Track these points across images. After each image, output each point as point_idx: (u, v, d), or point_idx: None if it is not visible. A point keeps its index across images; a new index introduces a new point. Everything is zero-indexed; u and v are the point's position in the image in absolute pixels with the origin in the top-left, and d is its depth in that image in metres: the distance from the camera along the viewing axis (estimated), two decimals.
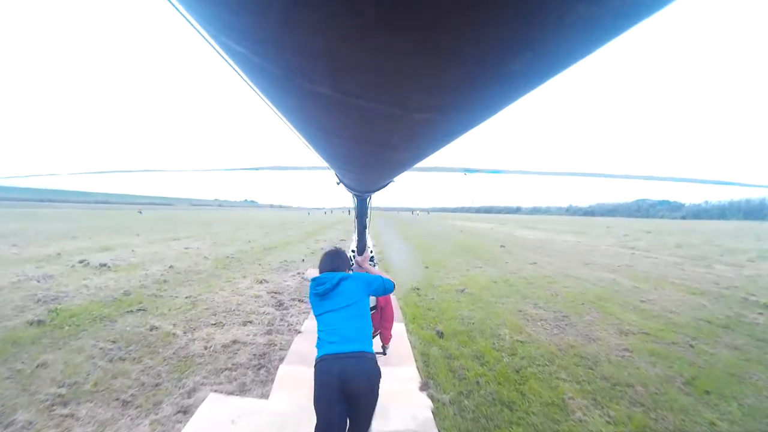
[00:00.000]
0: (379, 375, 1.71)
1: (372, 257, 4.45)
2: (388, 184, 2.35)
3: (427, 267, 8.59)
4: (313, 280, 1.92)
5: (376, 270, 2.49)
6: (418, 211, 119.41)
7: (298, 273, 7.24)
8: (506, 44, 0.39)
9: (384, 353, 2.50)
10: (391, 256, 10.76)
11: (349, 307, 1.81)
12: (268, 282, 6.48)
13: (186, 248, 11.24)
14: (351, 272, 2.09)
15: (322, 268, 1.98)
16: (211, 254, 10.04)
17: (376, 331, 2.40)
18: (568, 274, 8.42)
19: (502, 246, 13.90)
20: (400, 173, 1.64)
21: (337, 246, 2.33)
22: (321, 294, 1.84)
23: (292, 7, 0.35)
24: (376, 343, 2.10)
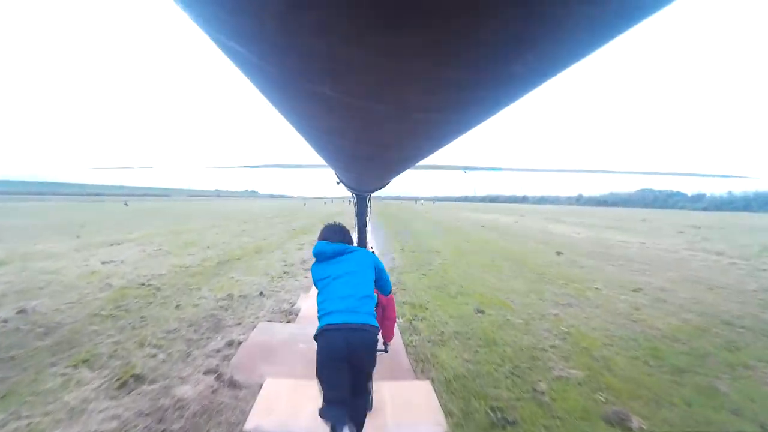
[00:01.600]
0: (377, 344, 1.71)
1: None
2: (387, 183, 2.34)
3: (482, 311, 4.83)
4: (319, 242, 1.84)
5: None
6: (422, 201, 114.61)
7: (230, 344, 3.48)
8: (507, 45, 0.38)
9: (386, 350, 2.28)
10: None
11: (354, 273, 1.73)
12: (143, 383, 2.71)
13: (106, 262, 7.62)
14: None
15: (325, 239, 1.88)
16: (127, 276, 6.39)
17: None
18: (729, 322, 4.69)
19: (559, 253, 10.05)
20: (399, 173, 1.62)
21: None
22: (327, 256, 1.77)
23: (291, 7, 0.34)
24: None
